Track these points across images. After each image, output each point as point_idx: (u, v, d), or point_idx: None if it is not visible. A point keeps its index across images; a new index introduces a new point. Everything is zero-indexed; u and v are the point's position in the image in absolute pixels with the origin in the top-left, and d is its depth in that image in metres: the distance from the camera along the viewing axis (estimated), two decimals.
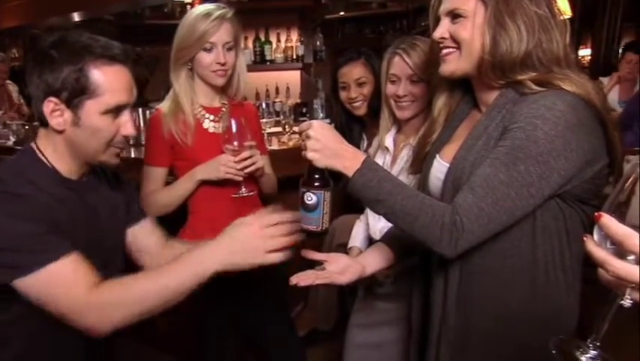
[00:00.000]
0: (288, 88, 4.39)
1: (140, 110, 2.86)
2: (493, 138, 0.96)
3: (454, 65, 1.00)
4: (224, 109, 1.64)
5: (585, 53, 4.96)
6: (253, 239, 0.98)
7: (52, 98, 1.01)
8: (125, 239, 1.25)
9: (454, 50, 0.99)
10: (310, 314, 2.19)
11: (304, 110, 4.07)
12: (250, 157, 1.50)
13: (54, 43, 1.01)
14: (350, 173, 0.97)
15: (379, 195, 0.95)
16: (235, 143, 1.48)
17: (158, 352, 1.79)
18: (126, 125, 1.06)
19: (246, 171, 1.50)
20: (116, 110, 1.04)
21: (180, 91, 1.56)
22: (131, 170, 2.01)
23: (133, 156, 2.58)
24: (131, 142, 2.77)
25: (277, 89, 4.39)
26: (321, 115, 3.87)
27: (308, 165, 1.00)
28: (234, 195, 1.54)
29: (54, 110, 1.02)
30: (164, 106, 1.59)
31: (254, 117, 1.74)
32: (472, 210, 0.90)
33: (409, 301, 1.28)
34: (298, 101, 4.27)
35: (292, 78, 4.42)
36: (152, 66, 5.95)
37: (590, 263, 0.62)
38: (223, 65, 1.52)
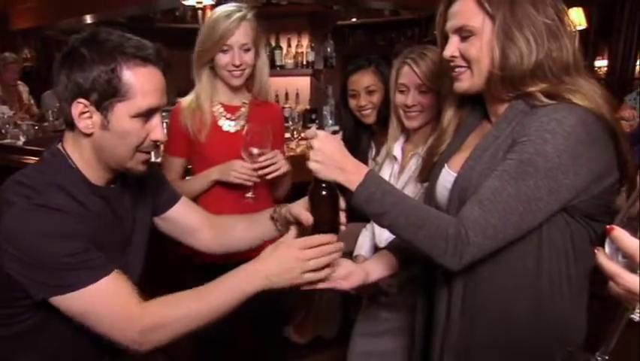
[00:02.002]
0: (297, 94, 4.42)
1: None
2: (501, 150, 0.96)
3: (467, 83, 1.01)
4: (243, 108, 1.68)
5: (602, 63, 4.95)
6: (292, 261, 1.00)
7: (82, 100, 0.97)
8: (161, 229, 1.28)
9: (465, 68, 1.00)
10: (313, 322, 2.20)
11: (313, 116, 4.09)
12: (272, 164, 1.53)
13: (85, 40, 0.98)
14: (353, 186, 0.98)
15: (383, 207, 0.96)
16: (254, 150, 1.51)
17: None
18: (156, 129, 1.02)
19: (269, 177, 1.54)
20: (146, 114, 1.00)
21: (201, 90, 1.62)
22: None
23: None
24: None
25: (287, 94, 4.43)
26: (330, 122, 3.89)
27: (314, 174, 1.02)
28: (244, 199, 1.58)
29: (83, 112, 0.98)
30: (185, 101, 1.65)
31: (278, 118, 1.78)
32: (479, 223, 0.91)
33: (412, 311, 1.29)
34: (308, 107, 4.29)
35: (302, 84, 4.45)
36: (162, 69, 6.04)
37: (598, 279, 0.62)
38: (238, 66, 1.57)
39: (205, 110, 1.61)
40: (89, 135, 1.01)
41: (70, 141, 1.04)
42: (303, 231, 1.10)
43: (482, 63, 0.97)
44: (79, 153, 1.03)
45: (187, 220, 1.29)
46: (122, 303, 0.96)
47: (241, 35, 1.57)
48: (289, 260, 1.00)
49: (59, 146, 1.05)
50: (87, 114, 0.98)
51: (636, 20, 4.43)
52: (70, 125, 1.02)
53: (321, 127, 3.67)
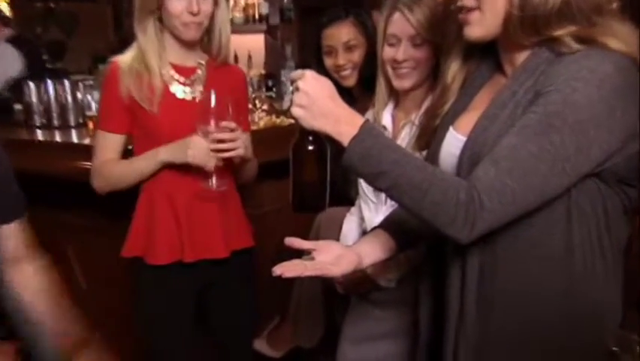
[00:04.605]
0: (249, 56, 4.37)
1: (50, 82, 2.79)
2: (521, 106, 0.99)
3: (479, 28, 1.02)
4: (199, 71, 1.65)
5: None
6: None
7: None
8: None
9: (475, 9, 1.01)
10: (290, 329, 2.21)
11: (270, 83, 4.06)
12: (230, 141, 1.51)
13: None
14: (345, 140, 0.98)
15: (381, 166, 0.96)
16: (212, 123, 1.49)
17: None
18: None
19: (220, 155, 1.51)
20: None
21: (147, 47, 1.58)
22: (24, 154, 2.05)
23: (41, 138, 2.56)
24: (38, 122, 2.74)
25: (236, 57, 4.34)
26: (291, 89, 3.87)
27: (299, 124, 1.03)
28: (202, 186, 1.56)
29: None
30: (124, 62, 1.59)
31: (241, 85, 1.77)
32: (494, 186, 0.93)
33: (413, 306, 1.32)
34: (262, 71, 4.26)
35: (254, 43, 4.41)
36: (69, 26, 5.75)
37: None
38: (196, 14, 1.53)
39: (154, 72, 1.57)
40: None
41: None
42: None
43: (498, 1, 0.99)
44: None
45: (10, 246, 1.20)
46: None
47: None
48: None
49: None
50: None
51: None
52: None
53: (279, 96, 3.64)
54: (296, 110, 1.00)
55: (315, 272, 1.09)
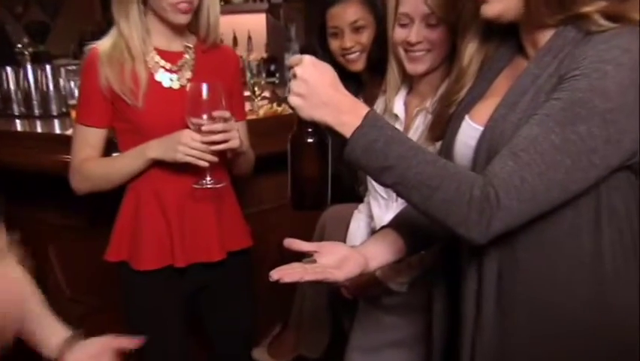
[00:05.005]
0: (249, 37, 4.38)
1: (30, 67, 2.80)
2: (543, 92, 0.98)
3: (497, 5, 1.02)
4: (186, 55, 1.65)
5: None
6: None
7: None
8: None
9: None
10: (292, 338, 2.22)
11: (272, 67, 4.07)
12: (222, 132, 1.49)
13: None
14: (348, 132, 0.99)
15: (387, 160, 0.97)
16: (204, 116, 1.48)
17: None
18: None
19: (213, 148, 1.50)
20: None
21: (131, 33, 1.57)
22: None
23: (20, 129, 2.57)
24: (17, 112, 2.76)
25: (235, 39, 4.38)
26: None
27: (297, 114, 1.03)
28: (195, 186, 1.56)
29: None
30: (103, 50, 1.59)
31: (234, 68, 1.76)
32: (512, 181, 0.92)
33: (426, 311, 1.32)
34: (264, 55, 4.27)
35: (255, 24, 4.41)
36: (53, 6, 5.79)
37: None
38: None
39: (139, 60, 1.57)
40: None
41: None
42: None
43: None
44: None
45: None
46: None
47: None
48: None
49: None
50: None
51: None
52: None
53: (282, 82, 3.65)
54: (294, 100, 1.00)
55: (315, 276, 1.09)
